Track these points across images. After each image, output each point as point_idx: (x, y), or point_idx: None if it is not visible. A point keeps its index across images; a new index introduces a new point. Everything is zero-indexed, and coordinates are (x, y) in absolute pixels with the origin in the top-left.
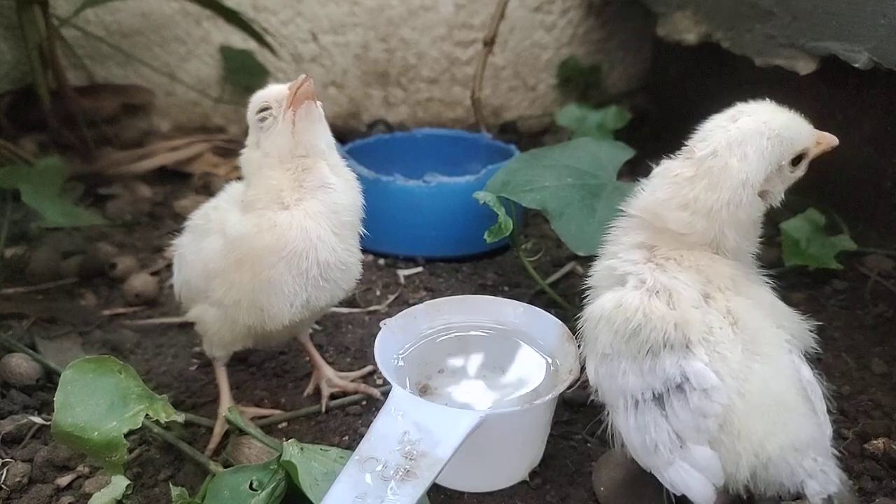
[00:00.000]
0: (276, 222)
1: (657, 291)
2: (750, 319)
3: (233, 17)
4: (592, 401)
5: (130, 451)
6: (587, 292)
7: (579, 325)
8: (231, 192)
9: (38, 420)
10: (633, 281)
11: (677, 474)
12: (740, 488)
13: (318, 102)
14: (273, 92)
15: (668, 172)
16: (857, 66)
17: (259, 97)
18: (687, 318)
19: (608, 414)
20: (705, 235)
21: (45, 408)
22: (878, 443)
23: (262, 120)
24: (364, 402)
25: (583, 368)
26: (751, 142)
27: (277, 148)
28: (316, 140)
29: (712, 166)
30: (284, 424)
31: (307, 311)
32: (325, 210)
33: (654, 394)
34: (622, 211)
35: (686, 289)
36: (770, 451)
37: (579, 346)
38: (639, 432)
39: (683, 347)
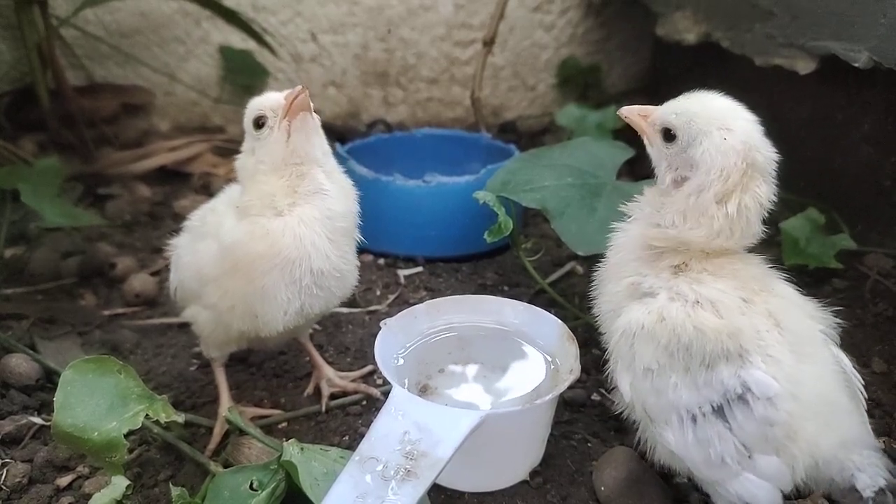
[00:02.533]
0: (270, 229)
1: (697, 302)
2: (789, 319)
3: (232, 17)
4: (610, 410)
5: (130, 451)
6: (602, 313)
7: (608, 343)
8: (229, 195)
9: (37, 420)
10: (664, 294)
11: (742, 486)
12: (792, 489)
13: (315, 114)
14: (269, 100)
15: (674, 204)
16: (856, 65)
17: (255, 105)
18: (738, 326)
19: (643, 429)
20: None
21: (45, 408)
22: (879, 442)
23: (258, 128)
24: (364, 402)
25: (584, 370)
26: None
27: (272, 156)
28: (311, 149)
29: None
30: (284, 424)
31: (301, 318)
32: (319, 216)
33: (713, 407)
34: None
35: (727, 296)
36: (824, 450)
37: (581, 348)
38: (700, 447)
39: (739, 357)
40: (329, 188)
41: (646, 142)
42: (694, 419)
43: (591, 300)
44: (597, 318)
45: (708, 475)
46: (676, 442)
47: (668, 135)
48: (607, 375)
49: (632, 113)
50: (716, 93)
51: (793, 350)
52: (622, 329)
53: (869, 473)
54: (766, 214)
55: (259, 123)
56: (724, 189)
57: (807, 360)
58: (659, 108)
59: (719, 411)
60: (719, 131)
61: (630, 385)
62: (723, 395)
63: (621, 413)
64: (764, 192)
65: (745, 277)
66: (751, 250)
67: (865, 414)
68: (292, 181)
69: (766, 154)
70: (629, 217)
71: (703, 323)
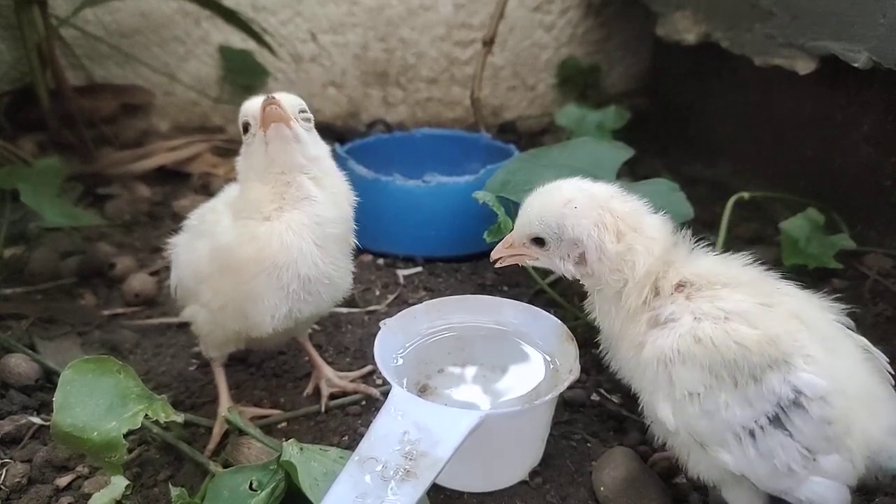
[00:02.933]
0: (257, 234)
1: (726, 318)
2: (810, 315)
3: (232, 17)
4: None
5: (130, 451)
6: (623, 362)
7: (635, 380)
8: (229, 194)
9: (37, 420)
10: (688, 316)
11: (811, 490)
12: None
13: (304, 118)
14: (251, 107)
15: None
16: (856, 65)
17: (242, 110)
18: (775, 333)
19: (685, 453)
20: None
21: (45, 408)
22: None
23: (245, 134)
24: (364, 402)
25: (583, 370)
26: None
27: (255, 164)
28: (288, 158)
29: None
30: (284, 424)
31: (291, 322)
32: (308, 222)
33: (769, 418)
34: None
35: (749, 305)
36: (875, 438)
37: (581, 348)
38: (764, 460)
39: (784, 363)
40: (317, 194)
41: (531, 263)
42: (752, 434)
43: (607, 365)
44: (616, 373)
45: (775, 486)
46: (736, 461)
47: (539, 242)
48: (619, 385)
49: (502, 254)
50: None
51: (824, 346)
52: (654, 358)
53: None
54: (652, 206)
55: (245, 128)
56: (611, 232)
57: (838, 353)
58: (512, 233)
59: (776, 421)
60: (566, 207)
61: (673, 413)
62: (776, 404)
63: (663, 444)
64: (630, 205)
65: (751, 282)
66: (752, 250)
67: None
68: (278, 188)
69: (603, 188)
70: (590, 298)
71: (742, 336)
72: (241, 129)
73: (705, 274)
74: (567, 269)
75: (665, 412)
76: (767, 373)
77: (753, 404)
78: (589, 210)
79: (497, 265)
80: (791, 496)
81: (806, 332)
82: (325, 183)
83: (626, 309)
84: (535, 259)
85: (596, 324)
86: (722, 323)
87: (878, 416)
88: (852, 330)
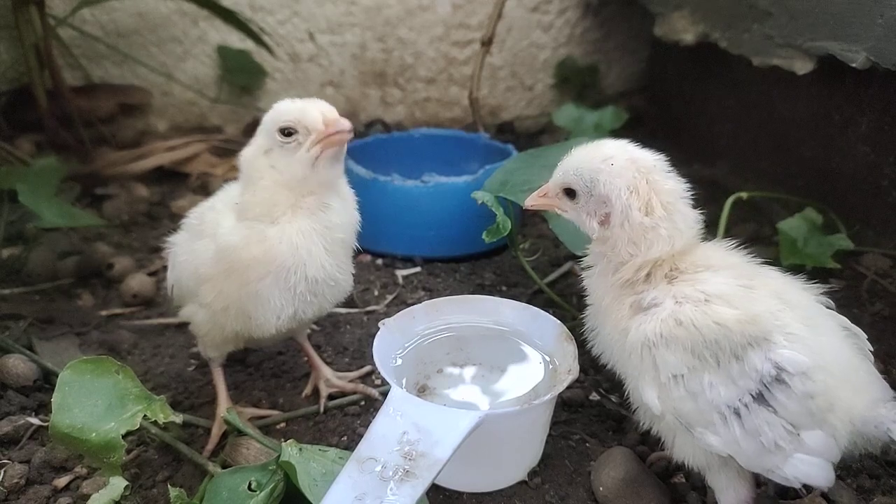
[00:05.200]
0: (267, 235)
1: (707, 300)
2: (791, 294)
3: (230, 17)
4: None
5: (128, 451)
6: (606, 347)
7: (620, 366)
8: (228, 193)
9: (35, 421)
10: (669, 301)
11: (795, 467)
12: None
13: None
14: (305, 117)
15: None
16: (854, 65)
17: (286, 113)
18: (755, 312)
19: (669, 438)
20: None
21: (43, 409)
22: None
23: (285, 139)
24: (363, 403)
25: (582, 370)
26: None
27: (291, 172)
28: (333, 177)
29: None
30: (283, 425)
31: (295, 323)
32: (318, 227)
33: (752, 396)
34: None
35: (730, 287)
36: (859, 412)
37: (579, 348)
38: (751, 438)
39: (765, 340)
40: (332, 202)
41: (560, 213)
42: (738, 413)
43: (588, 345)
44: (599, 356)
45: (761, 464)
46: (724, 440)
47: (571, 194)
48: (618, 384)
49: (536, 201)
50: (582, 140)
51: (806, 324)
52: (638, 343)
53: None
54: (691, 199)
55: (286, 132)
56: (641, 201)
57: (820, 330)
58: (548, 182)
59: (760, 398)
60: (604, 162)
61: (658, 397)
62: (759, 381)
63: (648, 430)
64: (672, 185)
65: (732, 264)
66: (750, 251)
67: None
68: (301, 195)
69: (649, 156)
70: (591, 268)
71: (722, 317)
72: (279, 130)
73: (691, 259)
74: (591, 226)
75: (650, 396)
76: (749, 351)
77: (737, 382)
78: (625, 171)
79: (527, 208)
80: (776, 474)
81: (788, 311)
82: (341, 191)
83: (617, 282)
84: (564, 210)
85: (585, 298)
86: (702, 305)
87: (860, 390)
88: (832, 309)
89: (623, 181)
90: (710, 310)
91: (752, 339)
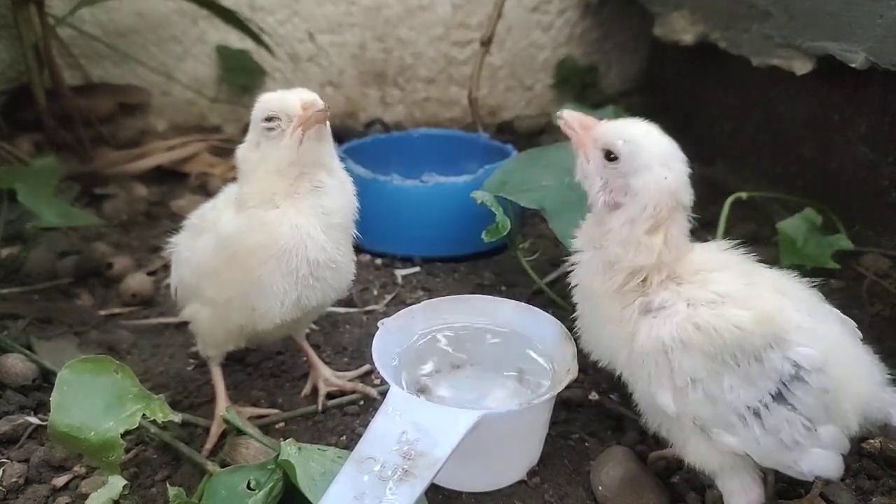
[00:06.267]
0: (266, 220)
1: (722, 301)
2: (788, 287)
3: (229, 17)
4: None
5: (127, 451)
6: (606, 348)
7: (623, 368)
8: (229, 193)
9: (34, 420)
10: (681, 303)
11: (812, 462)
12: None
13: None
14: (284, 104)
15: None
16: (853, 65)
17: (268, 103)
18: (769, 311)
19: (678, 441)
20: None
21: (42, 408)
22: (875, 442)
23: (269, 128)
24: (362, 402)
25: (581, 370)
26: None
27: (279, 158)
28: (320, 157)
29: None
30: (282, 424)
31: (298, 311)
32: (316, 211)
33: (772, 395)
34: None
35: (738, 286)
36: (866, 399)
37: (579, 348)
38: (771, 436)
39: (781, 339)
40: (327, 184)
41: (580, 154)
42: (757, 413)
43: (583, 345)
44: (595, 357)
45: (780, 460)
46: (744, 441)
47: (610, 156)
48: (617, 383)
49: (574, 120)
50: (656, 127)
51: (809, 315)
52: (652, 346)
53: None
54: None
55: (270, 121)
56: (654, 223)
57: (820, 320)
58: (602, 124)
59: (780, 397)
60: (661, 168)
61: (672, 401)
62: (778, 380)
63: (654, 432)
64: (684, 223)
65: (727, 263)
66: (748, 249)
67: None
68: (295, 180)
69: (689, 194)
70: (579, 252)
71: (740, 320)
72: (262, 120)
73: (690, 261)
74: (598, 198)
75: (666, 399)
76: (768, 352)
77: (757, 384)
78: (665, 192)
79: (560, 117)
80: (793, 470)
81: (790, 304)
82: (334, 174)
83: (613, 285)
84: (586, 159)
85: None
86: (719, 307)
87: (864, 376)
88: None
89: (658, 197)
90: (726, 312)
91: (772, 339)
